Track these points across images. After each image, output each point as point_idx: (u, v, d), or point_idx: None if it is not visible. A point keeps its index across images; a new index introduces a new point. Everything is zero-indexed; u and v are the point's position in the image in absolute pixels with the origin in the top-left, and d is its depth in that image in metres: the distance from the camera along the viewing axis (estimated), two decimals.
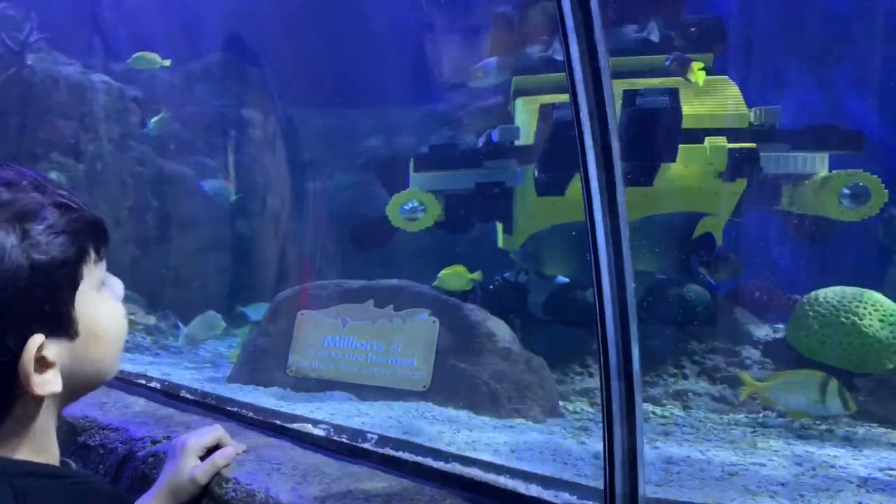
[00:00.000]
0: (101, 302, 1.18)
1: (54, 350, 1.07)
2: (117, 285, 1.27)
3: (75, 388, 1.16)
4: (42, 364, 1.06)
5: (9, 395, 1.06)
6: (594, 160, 1.20)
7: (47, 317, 1.06)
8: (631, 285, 1.28)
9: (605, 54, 1.16)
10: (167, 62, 6.32)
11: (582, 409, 3.26)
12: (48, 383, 1.07)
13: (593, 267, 1.28)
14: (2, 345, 1.01)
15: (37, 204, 1.06)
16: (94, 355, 1.15)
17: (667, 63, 3.75)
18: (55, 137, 5.89)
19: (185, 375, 3.61)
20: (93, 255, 1.14)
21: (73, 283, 1.10)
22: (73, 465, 1.23)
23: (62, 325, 1.09)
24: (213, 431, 1.78)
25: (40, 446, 1.13)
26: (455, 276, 4.09)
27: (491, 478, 1.64)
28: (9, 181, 1.06)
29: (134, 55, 6.26)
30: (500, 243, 4.72)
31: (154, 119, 6.19)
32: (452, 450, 2.00)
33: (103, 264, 1.19)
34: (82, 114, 6.10)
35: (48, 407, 1.13)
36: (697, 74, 3.63)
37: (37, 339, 1.03)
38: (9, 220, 1.02)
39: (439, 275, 4.11)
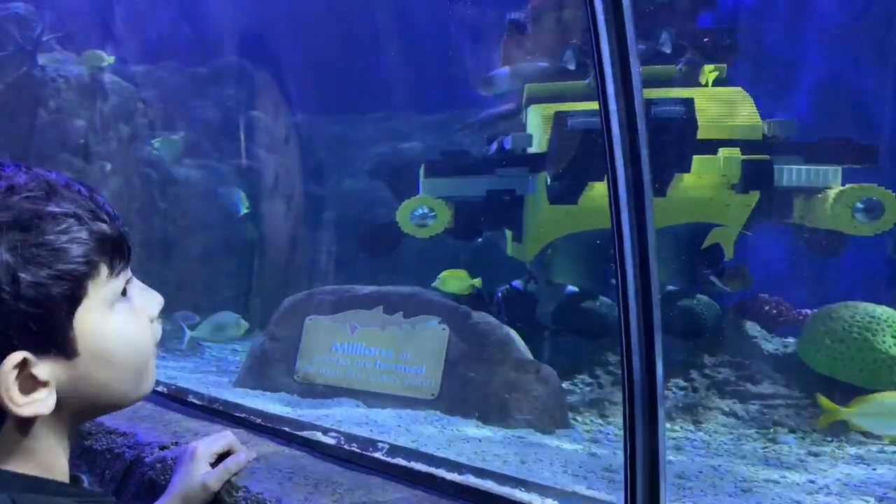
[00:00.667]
0: (114, 320, 1.08)
1: (47, 369, 1.00)
2: (150, 301, 1.19)
3: (82, 409, 1.10)
4: (32, 382, 0.99)
5: None
6: (623, 170, 1.18)
7: (35, 334, 0.97)
8: (657, 298, 1.25)
9: (636, 61, 1.14)
10: (111, 59, 6.29)
11: (592, 421, 3.23)
12: (36, 403, 0.99)
13: (619, 280, 1.26)
14: None
15: (37, 213, 0.97)
16: (99, 377, 1.07)
17: (678, 66, 3.74)
18: (65, 137, 5.89)
19: (191, 379, 3.59)
20: (104, 269, 1.05)
21: (73, 299, 1.01)
22: (85, 480, 1.19)
23: (55, 343, 1.00)
24: (224, 438, 1.75)
25: (47, 462, 1.07)
26: (455, 278, 4.10)
27: (506, 491, 1.61)
28: (12, 185, 0.99)
29: (84, 53, 6.24)
30: (510, 251, 4.69)
31: (161, 139, 6.14)
32: (462, 460, 1.97)
33: (120, 279, 1.09)
34: (92, 114, 6.10)
35: (52, 424, 1.06)
36: (708, 76, 3.62)
37: (14, 357, 0.96)
38: (1, 228, 0.94)
39: (439, 276, 4.11)
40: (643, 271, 1.25)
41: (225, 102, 7.23)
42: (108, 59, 6.28)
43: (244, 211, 5.93)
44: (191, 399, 2.41)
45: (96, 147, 6.05)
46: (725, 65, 3.99)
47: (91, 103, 6.12)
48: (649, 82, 3.72)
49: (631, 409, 1.31)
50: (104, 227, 1.05)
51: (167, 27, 7.44)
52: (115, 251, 1.07)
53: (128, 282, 1.14)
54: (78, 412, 1.10)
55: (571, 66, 4.13)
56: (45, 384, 1.00)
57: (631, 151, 1.18)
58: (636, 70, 1.15)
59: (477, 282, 4.15)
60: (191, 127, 6.90)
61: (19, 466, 1.04)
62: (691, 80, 3.78)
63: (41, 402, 1.00)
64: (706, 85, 3.73)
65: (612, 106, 1.14)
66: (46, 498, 1.04)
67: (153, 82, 6.95)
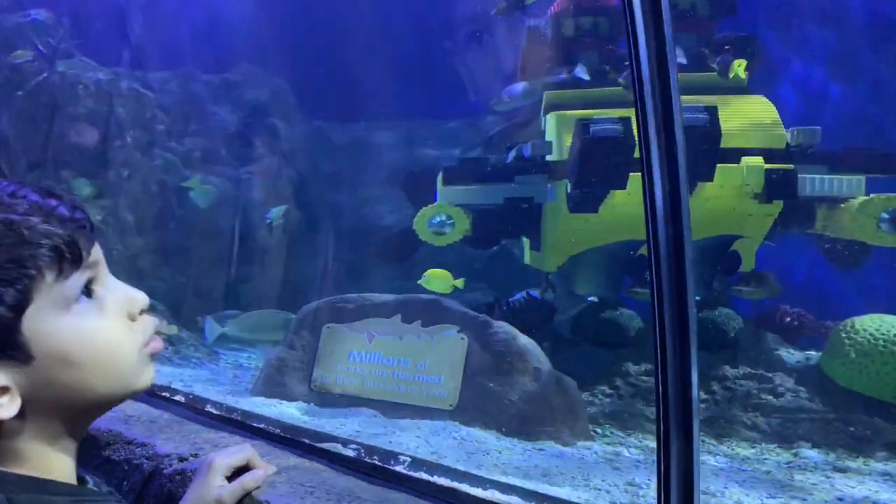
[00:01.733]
0: (71, 321, 1.08)
1: (2, 375, 1.01)
2: (125, 299, 1.18)
3: (64, 409, 1.10)
4: None
5: None
6: (660, 180, 1.14)
7: None
8: (693, 310, 1.21)
9: (674, 67, 1.10)
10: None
11: (613, 433, 3.18)
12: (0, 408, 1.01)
13: (653, 292, 1.22)
14: None
15: None
16: (65, 378, 1.06)
17: (716, 64, 3.70)
18: (83, 144, 5.90)
19: (207, 388, 3.57)
20: (49, 273, 1.04)
21: (16, 305, 1.00)
22: (90, 481, 1.18)
23: (5, 349, 1.01)
24: (243, 451, 1.71)
25: (43, 464, 1.08)
26: (438, 278, 4.17)
27: None
28: None
29: (14, 53, 6.21)
30: (527, 260, 4.66)
31: (195, 185, 6.10)
32: (483, 473, 1.93)
33: (72, 280, 1.08)
34: (110, 121, 6.11)
35: (40, 426, 1.07)
36: (738, 69, 3.59)
37: None
38: None
39: (425, 274, 4.21)
40: (679, 283, 1.21)
41: (241, 109, 7.25)
42: None
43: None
44: (209, 409, 2.39)
45: (113, 154, 6.05)
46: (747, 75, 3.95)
47: (109, 110, 6.13)
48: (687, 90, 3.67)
49: (665, 425, 1.27)
50: (51, 229, 1.04)
51: (185, 34, 7.47)
52: (62, 254, 1.05)
53: (92, 281, 1.12)
54: (65, 413, 1.10)
55: (591, 73, 4.09)
56: (3, 389, 1.01)
57: (668, 160, 1.15)
58: (674, 76, 1.12)
59: (459, 282, 4.21)
60: (207, 133, 6.91)
61: (16, 468, 1.05)
62: (727, 82, 3.74)
63: (4, 407, 1.01)
64: (736, 78, 3.69)
65: (650, 113, 1.11)
66: (44, 497, 1.04)
67: (170, 89, 6.97)
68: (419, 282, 4.20)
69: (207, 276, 6.26)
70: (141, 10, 7.22)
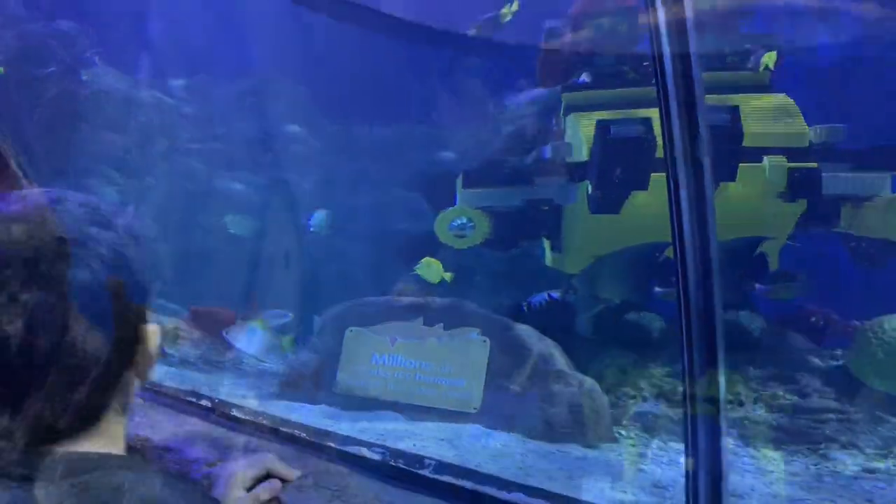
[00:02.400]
0: None
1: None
2: None
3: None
4: None
5: (117, 382, 0.96)
6: (686, 181, 1.14)
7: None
8: (720, 312, 1.21)
9: (698, 67, 1.10)
10: (1, 70, 6.25)
11: (637, 435, 3.15)
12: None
13: (680, 292, 1.21)
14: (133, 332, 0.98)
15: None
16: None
17: (750, 60, 3.69)
18: (106, 151, 5.96)
19: (233, 392, 3.58)
20: None
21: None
22: None
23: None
24: (263, 461, 1.69)
25: (125, 446, 1.13)
26: (429, 268, 4.23)
27: None
28: (60, 197, 1.03)
29: None
30: (548, 261, 4.63)
31: (233, 218, 6.14)
32: (508, 476, 1.93)
33: None
34: (132, 128, 6.16)
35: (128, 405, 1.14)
36: (767, 60, 3.58)
37: (154, 325, 1.03)
38: (98, 221, 0.99)
39: (420, 261, 4.27)
40: (706, 285, 1.20)
41: (262, 115, 7.27)
42: None
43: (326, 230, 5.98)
44: (234, 413, 2.40)
45: (137, 161, 6.11)
46: (769, 72, 3.91)
47: (131, 117, 6.18)
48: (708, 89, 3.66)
49: (693, 426, 1.26)
50: None
51: (207, 41, 7.52)
52: None
53: None
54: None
55: (610, 75, 4.08)
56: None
57: (693, 160, 1.14)
58: (698, 77, 1.11)
59: (448, 276, 4.24)
60: (229, 139, 6.94)
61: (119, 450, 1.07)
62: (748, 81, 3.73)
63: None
64: (767, 68, 3.67)
65: (674, 113, 1.11)
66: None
67: (192, 96, 7.02)
68: (415, 268, 4.25)
69: (230, 281, 6.28)
70: (163, 19, 7.28)
